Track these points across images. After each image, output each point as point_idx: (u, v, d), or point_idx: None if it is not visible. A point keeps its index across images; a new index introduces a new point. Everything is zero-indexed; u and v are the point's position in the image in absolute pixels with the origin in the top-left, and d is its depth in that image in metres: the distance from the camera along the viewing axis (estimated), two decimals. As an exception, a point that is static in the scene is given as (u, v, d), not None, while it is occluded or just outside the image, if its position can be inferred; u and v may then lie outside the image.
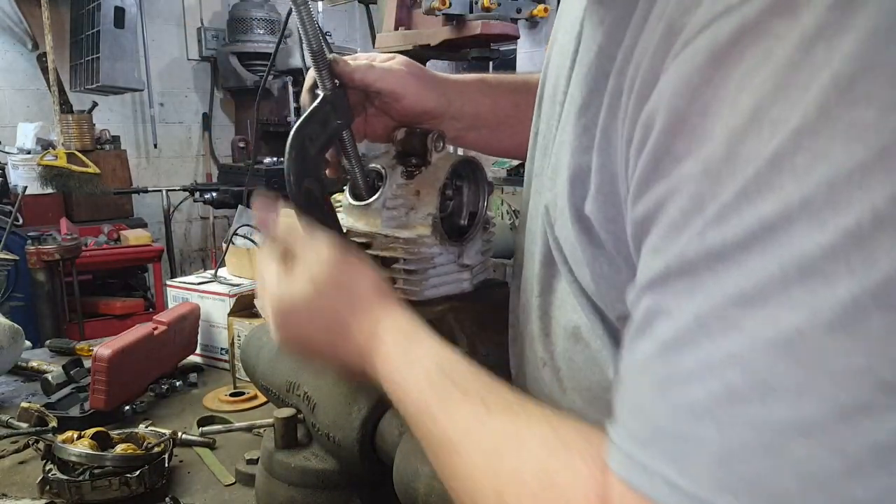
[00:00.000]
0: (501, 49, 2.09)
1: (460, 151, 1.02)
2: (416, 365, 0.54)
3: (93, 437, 1.08)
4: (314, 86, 0.73)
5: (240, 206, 1.96)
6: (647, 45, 0.39)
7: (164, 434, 1.15)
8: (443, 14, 1.73)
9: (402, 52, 1.84)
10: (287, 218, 0.66)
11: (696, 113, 0.33)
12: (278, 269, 0.63)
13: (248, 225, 1.83)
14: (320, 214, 0.69)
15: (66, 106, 4.09)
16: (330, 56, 0.70)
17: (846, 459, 0.28)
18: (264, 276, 0.65)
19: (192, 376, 1.54)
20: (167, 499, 1.03)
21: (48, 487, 1.02)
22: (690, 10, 0.34)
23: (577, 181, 0.48)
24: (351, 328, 0.60)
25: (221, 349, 1.63)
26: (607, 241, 0.46)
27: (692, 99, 0.33)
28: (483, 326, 0.75)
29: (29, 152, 3.89)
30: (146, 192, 4.39)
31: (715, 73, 0.32)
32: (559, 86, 0.58)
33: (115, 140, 4.47)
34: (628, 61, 0.41)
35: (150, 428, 1.23)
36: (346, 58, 0.74)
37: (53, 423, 1.22)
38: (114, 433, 1.13)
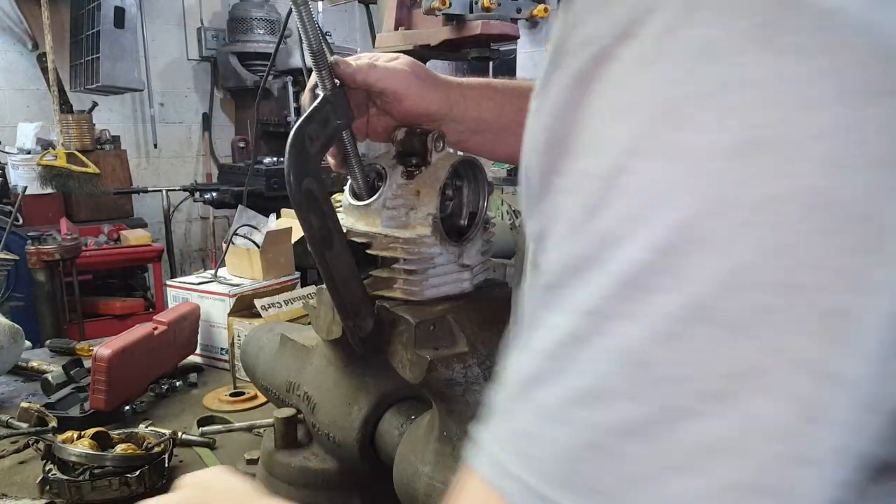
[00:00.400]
0: (501, 49, 2.09)
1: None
2: None
3: (93, 438, 1.08)
4: (316, 86, 0.73)
5: (240, 206, 1.95)
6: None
7: (164, 434, 1.15)
8: (443, 14, 1.73)
9: (401, 52, 1.84)
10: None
11: (562, 132, 0.34)
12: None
13: (248, 225, 1.83)
14: (320, 214, 0.69)
15: (65, 106, 4.09)
16: (331, 58, 0.70)
17: (666, 459, 0.29)
18: None
19: (192, 376, 1.54)
20: (167, 499, 1.03)
21: (48, 487, 1.02)
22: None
23: None
24: None
25: (221, 349, 1.63)
26: None
27: (561, 119, 0.35)
28: (483, 326, 0.75)
29: (29, 152, 3.89)
30: (146, 192, 4.40)
31: (576, 95, 0.33)
32: None
33: (115, 140, 4.47)
34: None
35: (150, 428, 1.23)
36: (348, 58, 0.74)
37: (53, 423, 1.22)
38: (114, 433, 1.13)
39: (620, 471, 0.30)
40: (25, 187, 3.53)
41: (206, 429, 1.03)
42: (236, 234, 1.77)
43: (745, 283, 0.27)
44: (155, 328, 1.41)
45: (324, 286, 0.77)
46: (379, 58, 0.76)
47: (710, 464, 0.28)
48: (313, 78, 0.74)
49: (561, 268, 0.33)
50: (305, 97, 0.78)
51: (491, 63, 2.42)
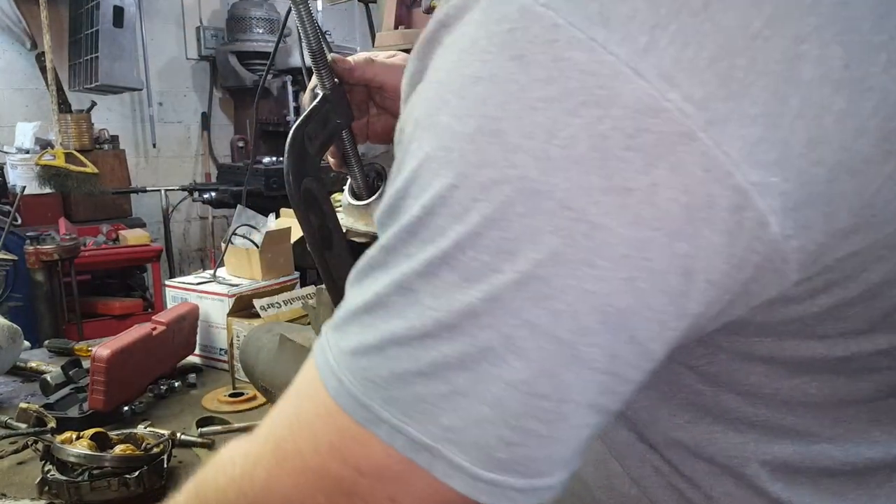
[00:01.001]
0: (501, 48, 2.09)
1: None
2: None
3: (91, 438, 1.08)
4: (316, 86, 0.73)
5: (239, 206, 1.95)
6: None
7: (162, 435, 1.15)
8: (442, 13, 1.73)
9: (401, 51, 1.83)
10: None
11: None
12: None
13: (247, 225, 1.82)
14: (320, 214, 0.69)
15: (64, 105, 4.08)
16: (330, 56, 0.70)
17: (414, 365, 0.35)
18: None
19: (191, 377, 1.53)
20: (167, 499, 1.02)
21: (47, 488, 1.01)
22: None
23: None
24: None
25: (220, 349, 1.62)
26: None
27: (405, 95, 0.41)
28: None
29: (27, 152, 3.88)
30: (145, 191, 4.39)
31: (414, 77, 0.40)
32: None
33: (114, 140, 4.46)
34: None
35: (148, 429, 1.22)
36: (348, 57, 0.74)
37: (52, 424, 1.22)
38: (113, 434, 1.13)
39: (387, 369, 0.36)
40: (24, 187, 3.52)
41: (205, 429, 1.03)
42: (235, 234, 1.77)
43: (472, 243, 0.33)
44: (154, 328, 1.41)
45: (323, 286, 0.77)
46: (377, 55, 0.76)
47: (444, 372, 0.35)
48: (314, 79, 0.74)
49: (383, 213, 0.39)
50: (306, 97, 0.78)
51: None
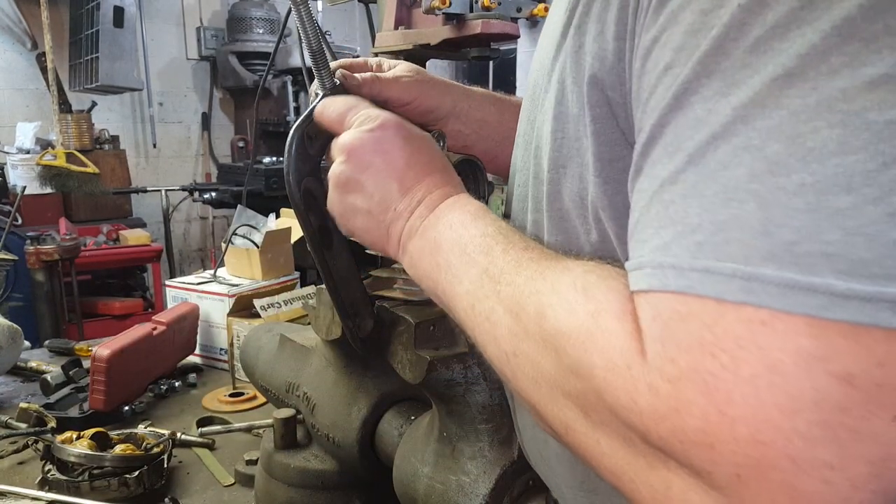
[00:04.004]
0: (501, 48, 2.09)
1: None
2: (489, 219, 0.54)
3: (92, 438, 1.08)
4: None
5: (239, 206, 1.95)
6: None
7: (163, 434, 1.15)
8: (442, 13, 1.72)
9: (401, 52, 1.83)
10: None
11: None
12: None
13: (247, 225, 1.83)
14: (320, 214, 0.69)
15: (64, 105, 4.08)
16: (338, 74, 0.70)
17: (888, 206, 0.29)
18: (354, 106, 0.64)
19: (192, 377, 1.54)
20: (166, 499, 1.03)
21: (47, 488, 1.02)
22: None
23: (593, 84, 0.46)
24: (442, 172, 0.60)
25: (221, 349, 1.62)
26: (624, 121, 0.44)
27: None
28: (483, 327, 0.75)
29: (28, 152, 3.88)
30: (145, 191, 4.39)
31: None
32: (540, 85, 0.58)
33: (114, 140, 4.46)
34: None
35: (149, 428, 1.22)
36: (353, 60, 0.75)
37: (52, 424, 1.22)
38: (113, 434, 1.13)
39: (834, 225, 0.30)
40: (24, 187, 3.52)
41: (205, 429, 1.03)
42: (235, 234, 1.77)
43: None
44: (154, 328, 1.41)
45: (323, 286, 0.77)
46: (382, 63, 0.76)
47: None
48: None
49: (734, 50, 0.33)
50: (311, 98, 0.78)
51: (491, 62, 2.42)
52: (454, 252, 0.53)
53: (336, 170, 0.61)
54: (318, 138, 0.69)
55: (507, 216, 0.69)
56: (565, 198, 0.50)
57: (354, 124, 0.61)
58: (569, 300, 0.41)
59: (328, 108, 0.64)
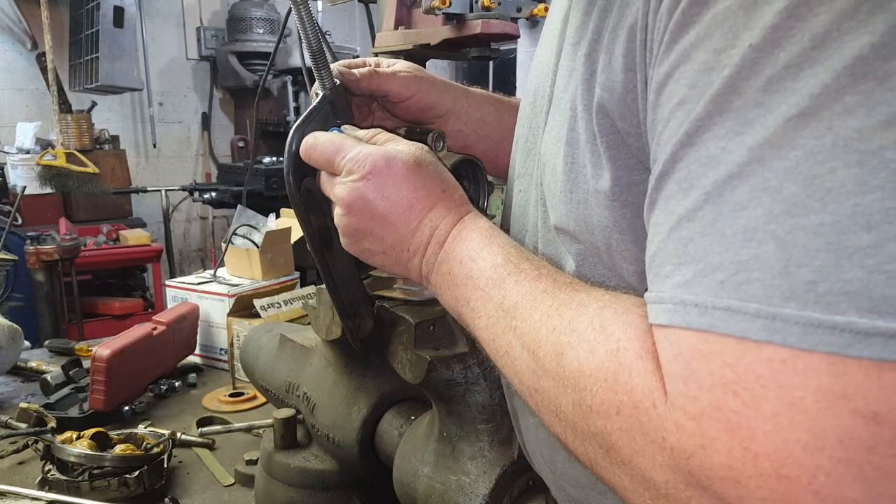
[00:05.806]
0: (501, 48, 2.09)
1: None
2: (495, 245, 0.55)
3: (92, 438, 1.08)
4: None
5: (239, 206, 1.95)
6: None
7: (163, 434, 1.15)
8: (443, 13, 1.73)
9: (401, 52, 1.83)
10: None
11: None
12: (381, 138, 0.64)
13: (247, 225, 1.83)
14: (319, 214, 0.69)
15: (64, 105, 4.08)
16: (336, 72, 0.70)
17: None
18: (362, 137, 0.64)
19: (192, 377, 1.54)
20: (166, 499, 1.03)
21: (47, 488, 1.02)
22: None
23: (601, 107, 0.47)
24: (443, 200, 0.60)
25: (221, 349, 1.63)
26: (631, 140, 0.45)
27: None
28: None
29: (28, 152, 3.88)
30: (145, 191, 4.39)
31: None
32: (541, 93, 0.58)
33: (114, 140, 4.47)
34: None
35: (149, 428, 1.22)
36: (352, 60, 0.75)
37: (52, 424, 1.22)
38: (113, 434, 1.13)
39: (855, 263, 0.30)
40: (24, 187, 3.52)
41: (205, 429, 1.03)
42: (236, 234, 1.77)
43: None
44: (154, 328, 1.41)
45: (323, 286, 0.77)
46: (381, 62, 0.76)
47: None
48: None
49: (747, 88, 0.33)
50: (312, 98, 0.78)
51: (491, 62, 2.42)
52: (468, 287, 0.54)
53: (341, 222, 0.62)
54: (319, 138, 0.69)
55: (505, 220, 0.69)
56: (571, 221, 0.51)
57: (343, 171, 0.60)
58: (588, 340, 0.42)
59: (315, 150, 0.63)
